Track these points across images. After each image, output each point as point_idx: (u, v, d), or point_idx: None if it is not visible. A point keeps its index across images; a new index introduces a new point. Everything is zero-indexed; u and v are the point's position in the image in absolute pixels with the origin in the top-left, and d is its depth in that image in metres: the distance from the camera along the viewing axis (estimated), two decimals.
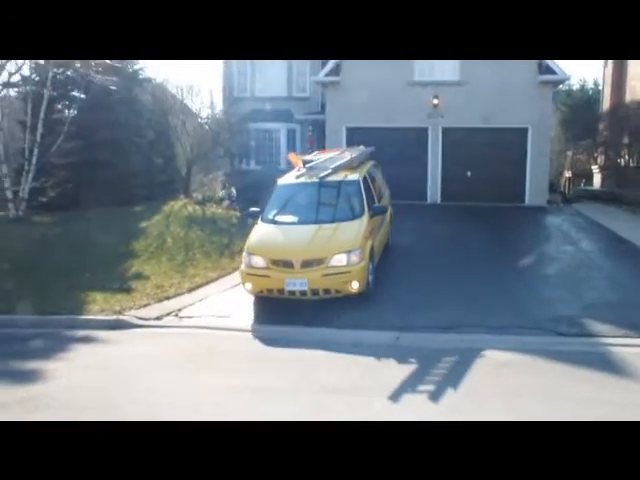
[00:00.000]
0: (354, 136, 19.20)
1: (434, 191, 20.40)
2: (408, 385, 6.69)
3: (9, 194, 18.61)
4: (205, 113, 24.63)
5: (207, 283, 11.66)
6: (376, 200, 11.39)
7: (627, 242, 13.79)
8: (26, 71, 19.57)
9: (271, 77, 24.39)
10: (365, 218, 10.22)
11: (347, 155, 11.85)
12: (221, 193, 22.30)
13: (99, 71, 18.43)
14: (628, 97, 23.20)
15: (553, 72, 19.30)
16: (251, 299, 10.19)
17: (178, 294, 10.94)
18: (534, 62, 19.11)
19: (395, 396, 6.40)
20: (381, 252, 11.54)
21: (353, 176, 11.04)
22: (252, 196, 15.46)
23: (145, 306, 10.27)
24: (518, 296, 9.98)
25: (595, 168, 25.34)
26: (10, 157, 20.48)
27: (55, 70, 19.59)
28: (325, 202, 10.54)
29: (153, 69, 63.18)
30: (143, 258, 13.54)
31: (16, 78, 19.37)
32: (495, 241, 14.22)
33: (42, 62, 19.87)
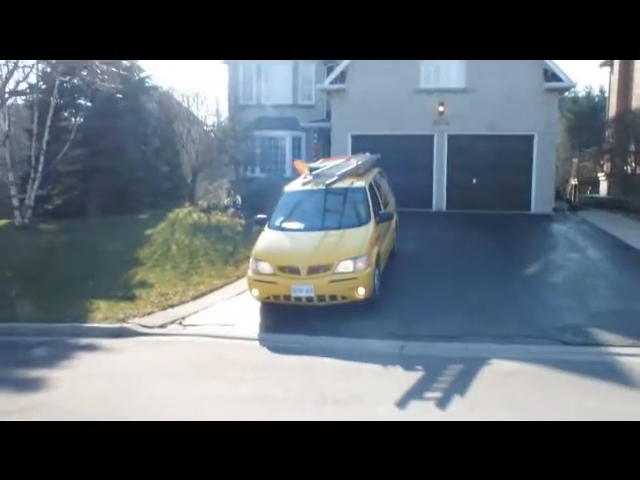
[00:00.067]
0: (359, 144, 19.14)
1: (439, 199, 20.34)
2: (413, 395, 6.63)
3: (15, 202, 18.65)
4: (211, 121, 24.66)
5: (211, 291, 11.63)
6: (382, 207, 11.41)
7: (634, 250, 13.70)
8: (33, 79, 19.66)
9: (276, 85, 24.42)
10: (371, 225, 10.24)
11: (353, 162, 11.85)
12: (226, 201, 22.30)
13: (105, 79, 18.50)
14: (634, 104, 23.11)
15: (559, 79, 19.25)
16: (256, 307, 10.17)
17: (182, 302, 10.92)
18: (540, 69, 19.10)
19: (400, 405, 6.35)
20: (387, 259, 11.54)
21: (359, 183, 11.07)
22: (257, 204, 15.48)
23: (149, 314, 10.25)
24: (524, 304, 9.92)
25: (601, 175, 25.23)
26: (16, 165, 20.54)
27: (62, 78, 19.67)
28: (331, 209, 10.59)
29: (159, 77, 63.43)
30: (148, 266, 13.53)
31: (23, 86, 19.51)
32: (501, 249, 14.15)
33: (49, 70, 19.98)
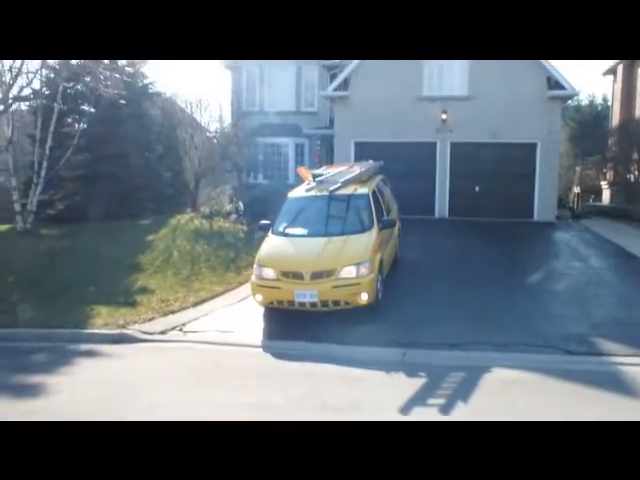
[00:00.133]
0: (362, 151, 19.13)
1: (442, 206, 20.31)
2: (414, 403, 6.59)
3: (17, 207, 18.68)
4: (214, 127, 24.73)
5: (212, 297, 11.60)
6: (385, 214, 11.43)
7: (636, 258, 13.65)
8: (37, 85, 19.69)
9: (279, 91, 24.47)
10: (374, 231, 10.27)
11: (356, 169, 11.88)
12: (228, 207, 22.26)
13: (109, 85, 18.55)
14: (638, 113, 23.09)
15: (562, 87, 19.23)
16: (256, 313, 10.14)
17: (183, 308, 10.90)
18: (543, 77, 19.10)
19: (401, 413, 6.30)
20: (390, 265, 11.56)
21: (363, 190, 11.10)
22: (259, 210, 15.49)
23: (150, 320, 10.22)
24: (526, 313, 9.87)
25: (604, 184, 25.19)
26: (19, 170, 20.59)
27: (65, 84, 19.74)
28: (335, 215, 10.60)
29: (163, 83, 63.53)
30: (149, 272, 13.52)
31: (27, 92, 19.55)
32: (503, 256, 14.11)
33: (52, 76, 20.06)
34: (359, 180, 11.41)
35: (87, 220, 19.34)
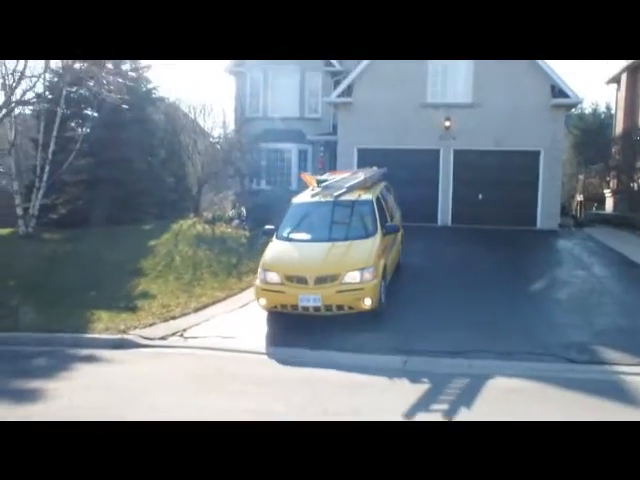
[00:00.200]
0: (365, 157, 19.09)
1: (445, 213, 20.27)
2: (415, 411, 6.55)
3: (19, 211, 18.69)
4: (217, 132, 24.76)
5: (214, 303, 11.57)
6: (388, 220, 11.46)
7: (639, 267, 13.62)
8: (40, 89, 19.72)
9: (283, 97, 24.50)
10: (378, 236, 10.31)
11: (360, 175, 11.90)
12: (231, 212, 22.28)
13: (112, 90, 18.58)
14: None
15: (566, 95, 19.22)
16: (258, 320, 10.13)
17: (184, 314, 10.87)
18: (547, 85, 19.09)
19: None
20: (393, 271, 11.58)
21: (367, 195, 11.14)
22: (262, 216, 15.47)
23: (150, 325, 10.20)
24: (528, 321, 9.83)
25: (607, 192, 25.14)
26: (22, 174, 20.61)
27: (68, 88, 19.77)
28: (339, 220, 10.65)
29: (166, 88, 63.68)
30: (150, 277, 13.50)
31: (30, 95, 19.58)
32: (506, 264, 14.06)
33: (56, 80, 20.09)
34: (363, 186, 11.43)
35: (89, 225, 19.34)
